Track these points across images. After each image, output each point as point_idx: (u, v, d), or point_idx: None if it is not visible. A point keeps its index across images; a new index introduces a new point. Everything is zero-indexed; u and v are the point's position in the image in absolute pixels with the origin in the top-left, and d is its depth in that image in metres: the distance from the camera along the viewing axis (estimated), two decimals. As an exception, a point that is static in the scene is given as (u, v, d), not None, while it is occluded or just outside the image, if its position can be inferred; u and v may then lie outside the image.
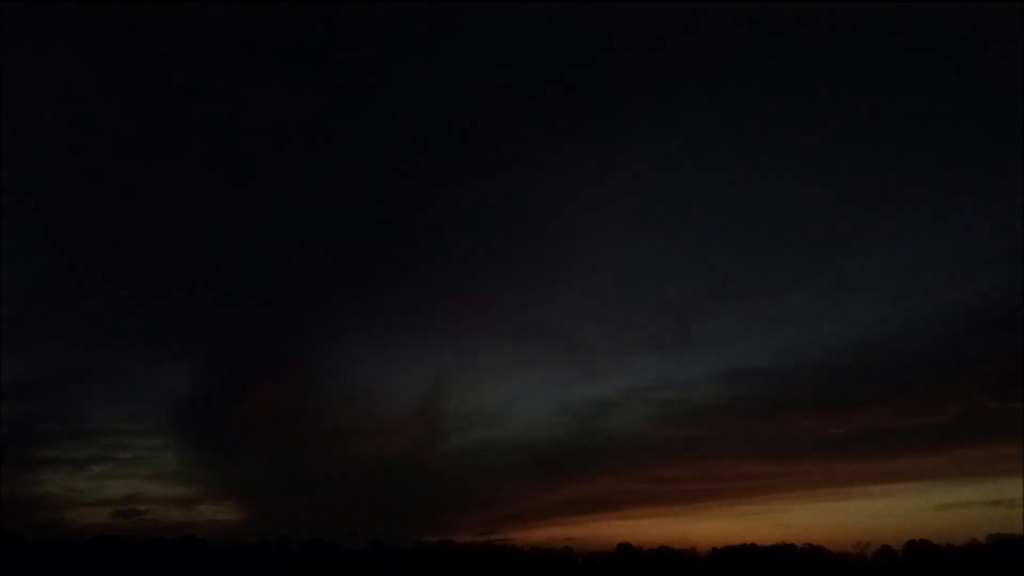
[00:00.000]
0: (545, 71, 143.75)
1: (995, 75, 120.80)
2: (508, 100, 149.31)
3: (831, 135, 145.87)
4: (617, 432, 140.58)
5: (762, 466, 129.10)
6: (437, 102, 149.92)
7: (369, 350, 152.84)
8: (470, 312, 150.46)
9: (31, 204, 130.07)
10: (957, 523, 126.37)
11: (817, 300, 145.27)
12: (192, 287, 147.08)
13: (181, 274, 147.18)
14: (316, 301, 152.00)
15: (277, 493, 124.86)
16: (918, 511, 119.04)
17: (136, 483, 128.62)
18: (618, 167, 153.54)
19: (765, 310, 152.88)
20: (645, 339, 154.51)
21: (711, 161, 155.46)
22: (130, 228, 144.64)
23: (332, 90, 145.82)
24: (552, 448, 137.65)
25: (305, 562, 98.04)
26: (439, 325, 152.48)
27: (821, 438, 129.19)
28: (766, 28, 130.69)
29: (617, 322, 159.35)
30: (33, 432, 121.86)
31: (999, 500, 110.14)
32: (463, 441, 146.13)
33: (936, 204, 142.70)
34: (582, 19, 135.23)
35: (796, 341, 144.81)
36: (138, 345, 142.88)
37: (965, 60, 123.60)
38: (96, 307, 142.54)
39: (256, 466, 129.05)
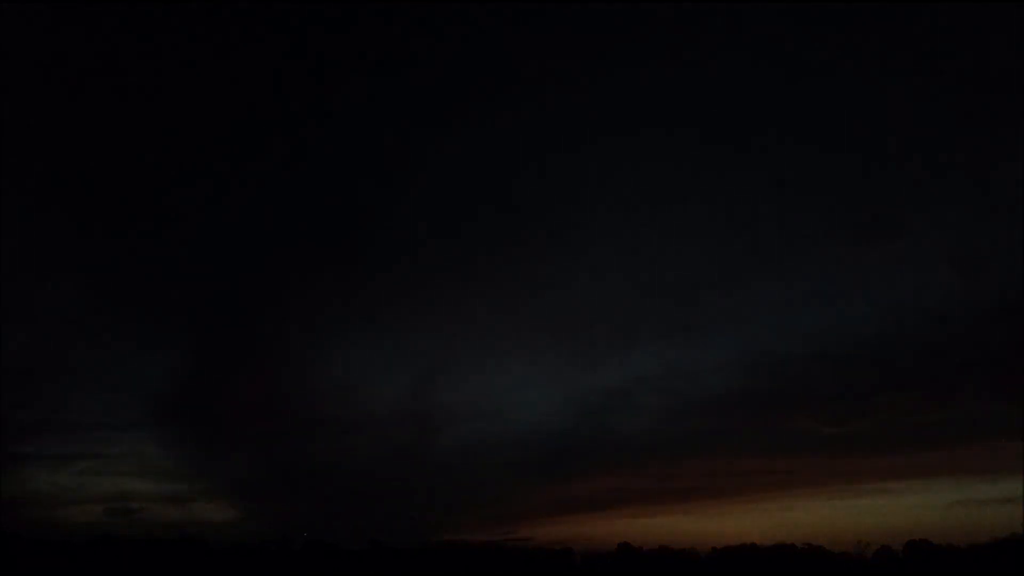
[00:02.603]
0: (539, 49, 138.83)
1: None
2: (502, 80, 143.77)
3: (850, 109, 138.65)
4: (619, 426, 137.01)
5: (769, 462, 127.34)
6: (424, 88, 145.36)
7: (358, 340, 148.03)
8: (461, 297, 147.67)
9: None
10: (972, 521, 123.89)
11: (835, 284, 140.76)
12: (170, 273, 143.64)
13: (159, 260, 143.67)
14: (301, 288, 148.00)
15: (271, 491, 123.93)
16: (929, 508, 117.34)
17: (125, 480, 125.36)
18: (620, 134, 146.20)
19: (778, 293, 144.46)
20: (651, 324, 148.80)
21: (722, 128, 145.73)
22: (106, 213, 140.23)
23: (312, 78, 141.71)
24: (551, 443, 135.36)
25: (305, 562, 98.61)
26: (430, 312, 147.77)
27: (832, 432, 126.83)
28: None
29: (620, 305, 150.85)
30: (11, 425, 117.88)
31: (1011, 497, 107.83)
32: (458, 436, 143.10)
33: (953, 193, 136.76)
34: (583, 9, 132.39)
35: (810, 328, 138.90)
36: (113, 334, 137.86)
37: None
38: (69, 293, 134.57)
39: (247, 462, 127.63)
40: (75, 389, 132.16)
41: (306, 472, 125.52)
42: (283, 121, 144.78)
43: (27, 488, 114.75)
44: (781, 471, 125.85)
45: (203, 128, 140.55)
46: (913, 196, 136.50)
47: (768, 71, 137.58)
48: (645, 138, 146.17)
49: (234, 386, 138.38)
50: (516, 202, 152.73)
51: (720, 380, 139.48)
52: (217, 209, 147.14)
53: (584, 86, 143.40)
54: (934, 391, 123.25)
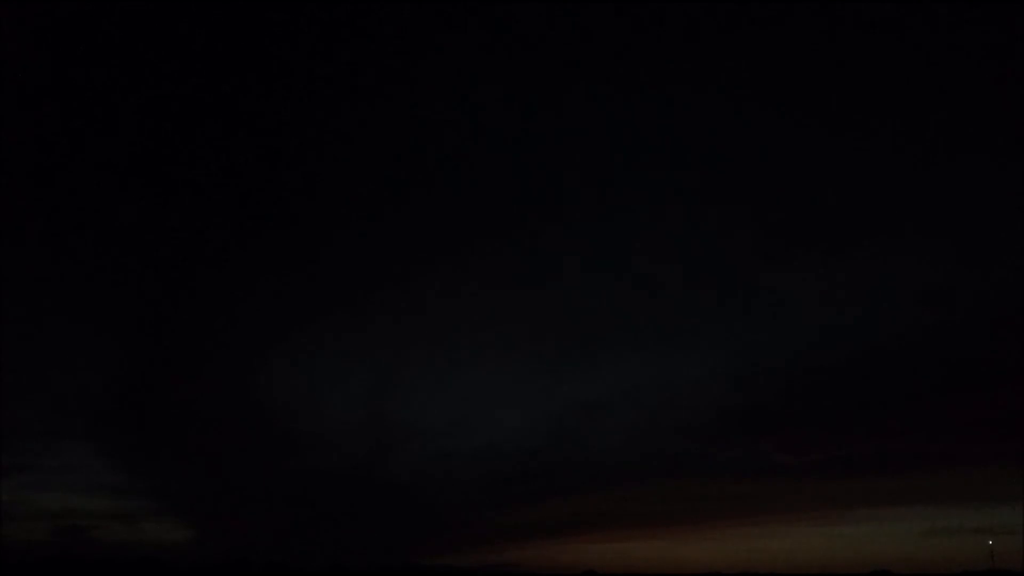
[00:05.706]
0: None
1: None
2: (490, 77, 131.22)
3: (844, 109, 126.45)
4: (587, 445, 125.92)
5: (737, 487, 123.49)
6: (384, 92, 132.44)
7: (311, 351, 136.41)
8: (419, 304, 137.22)
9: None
10: (943, 551, 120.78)
11: (829, 290, 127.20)
12: (117, 280, 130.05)
13: (104, 267, 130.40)
14: (251, 298, 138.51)
15: (224, 510, 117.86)
16: (900, 537, 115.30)
17: (69, 496, 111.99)
18: (599, 133, 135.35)
19: (755, 310, 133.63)
20: (624, 334, 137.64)
21: (709, 136, 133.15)
22: (48, 220, 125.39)
23: (272, 85, 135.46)
24: (515, 462, 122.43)
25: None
26: (386, 320, 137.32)
27: (803, 460, 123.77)
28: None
29: (592, 314, 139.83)
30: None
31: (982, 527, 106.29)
32: (417, 453, 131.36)
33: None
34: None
35: (786, 348, 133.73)
36: (54, 340, 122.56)
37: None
38: (4, 298, 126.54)
39: (198, 479, 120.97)
40: (11, 397, 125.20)
41: (260, 490, 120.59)
42: (237, 128, 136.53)
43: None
44: (750, 496, 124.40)
45: (151, 132, 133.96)
46: (903, 209, 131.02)
47: (766, 70, 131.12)
48: (623, 139, 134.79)
49: (181, 398, 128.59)
50: (480, 202, 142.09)
51: (692, 397, 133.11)
52: (165, 218, 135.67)
53: (566, 79, 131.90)
54: (906, 418, 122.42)
